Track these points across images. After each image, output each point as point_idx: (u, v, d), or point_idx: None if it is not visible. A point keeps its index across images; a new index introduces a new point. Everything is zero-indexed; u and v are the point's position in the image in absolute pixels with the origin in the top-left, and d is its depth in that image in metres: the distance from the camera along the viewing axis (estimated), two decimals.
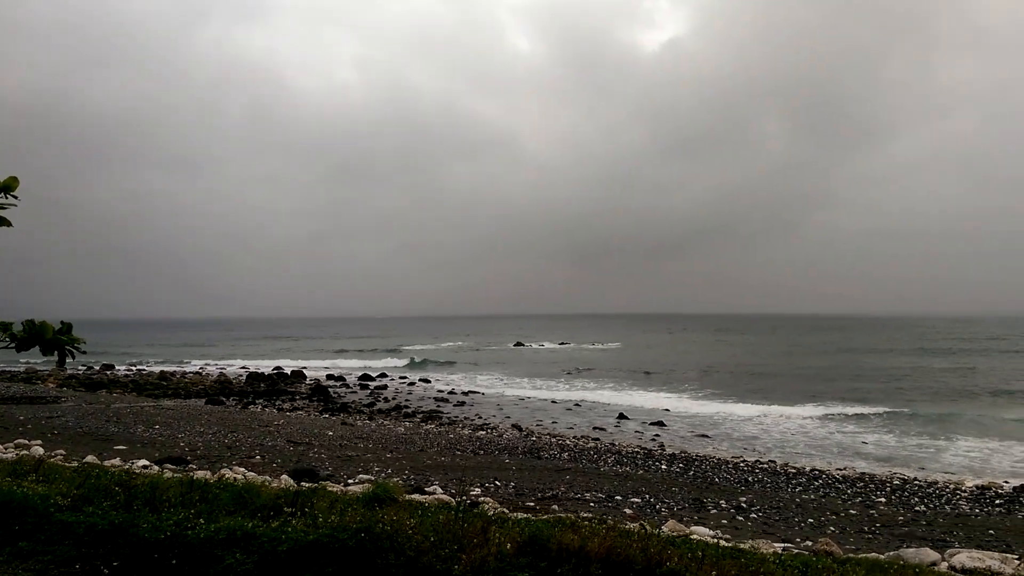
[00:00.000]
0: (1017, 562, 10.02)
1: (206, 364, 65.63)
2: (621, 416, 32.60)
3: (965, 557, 9.63)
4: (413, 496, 11.53)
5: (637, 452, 23.01)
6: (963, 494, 17.54)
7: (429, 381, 50.91)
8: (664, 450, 23.86)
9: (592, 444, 24.77)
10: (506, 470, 19.00)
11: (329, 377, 53.78)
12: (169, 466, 14.38)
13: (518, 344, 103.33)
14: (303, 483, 11.87)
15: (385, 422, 30.17)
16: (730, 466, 20.77)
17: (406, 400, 39.51)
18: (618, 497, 16.02)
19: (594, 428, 29.31)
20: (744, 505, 15.68)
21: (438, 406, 36.71)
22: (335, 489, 11.36)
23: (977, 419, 30.45)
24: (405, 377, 54.03)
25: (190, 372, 57.43)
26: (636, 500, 15.83)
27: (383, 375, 55.31)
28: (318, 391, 42.34)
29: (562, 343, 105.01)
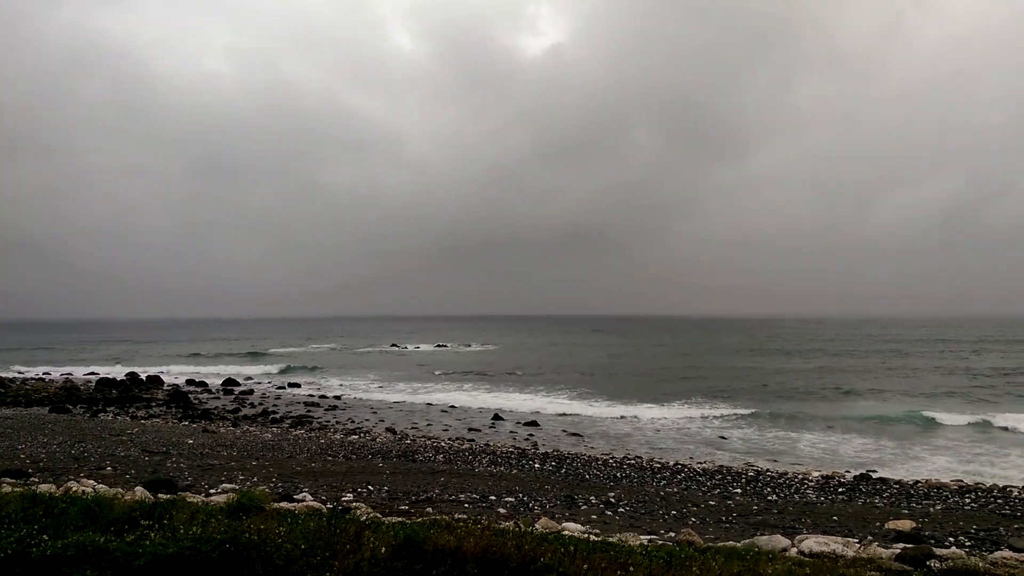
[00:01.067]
0: (858, 545, 10.91)
1: (48, 369, 60.53)
2: (496, 417, 32.90)
3: (812, 542, 10.38)
4: (282, 504, 11.14)
5: (511, 452, 23.28)
6: (810, 484, 18.90)
7: (299, 385, 49.33)
8: (538, 449, 24.28)
9: (467, 446, 24.84)
10: (380, 474, 18.72)
11: (189, 382, 51.00)
12: (8, 480, 13.15)
13: (394, 346, 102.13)
14: (160, 494, 11.19)
15: (251, 428, 28.96)
16: (600, 463, 21.42)
17: (274, 405, 38.10)
18: (492, 497, 16.14)
19: (469, 430, 29.41)
20: (613, 500, 16.19)
21: (308, 411, 35.65)
22: (196, 500, 10.78)
23: (826, 415, 32.94)
24: (273, 381, 52.09)
25: (31, 378, 52.81)
26: (510, 499, 16.00)
27: (249, 379, 53.06)
28: (177, 397, 40.03)
29: (439, 345, 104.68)
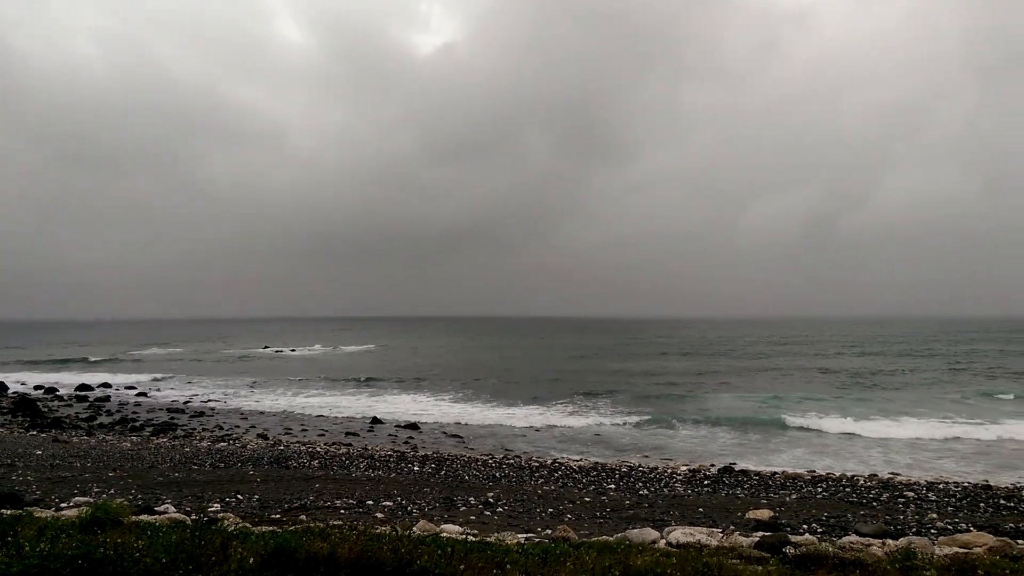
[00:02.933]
0: (721, 534, 11.49)
1: None
2: (375, 420, 32.36)
3: (679, 533, 10.83)
4: (142, 517, 10.48)
5: (390, 456, 22.95)
6: (679, 478, 19.74)
7: (161, 390, 46.63)
8: (417, 452, 24.06)
9: (344, 450, 24.27)
10: (250, 482, 17.98)
11: (38, 388, 47.12)
12: None
13: (268, 348, 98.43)
14: (3, 510, 10.26)
15: (108, 437, 27.09)
16: (480, 464, 21.49)
17: (134, 412, 35.81)
18: (370, 502, 15.86)
19: (347, 434, 28.76)
20: (492, 500, 16.28)
21: (172, 418, 33.74)
22: (45, 515, 9.96)
23: (696, 412, 34.50)
24: (134, 387, 48.94)
25: None
26: (388, 503, 15.77)
27: (107, 385, 49.59)
28: (23, 405, 36.85)
29: (317, 347, 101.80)
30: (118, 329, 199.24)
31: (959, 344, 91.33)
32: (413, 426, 30.41)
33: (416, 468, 20.75)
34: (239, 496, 16.02)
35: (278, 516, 13.73)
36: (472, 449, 25.10)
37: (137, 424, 31.23)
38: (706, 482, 19.22)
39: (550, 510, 15.48)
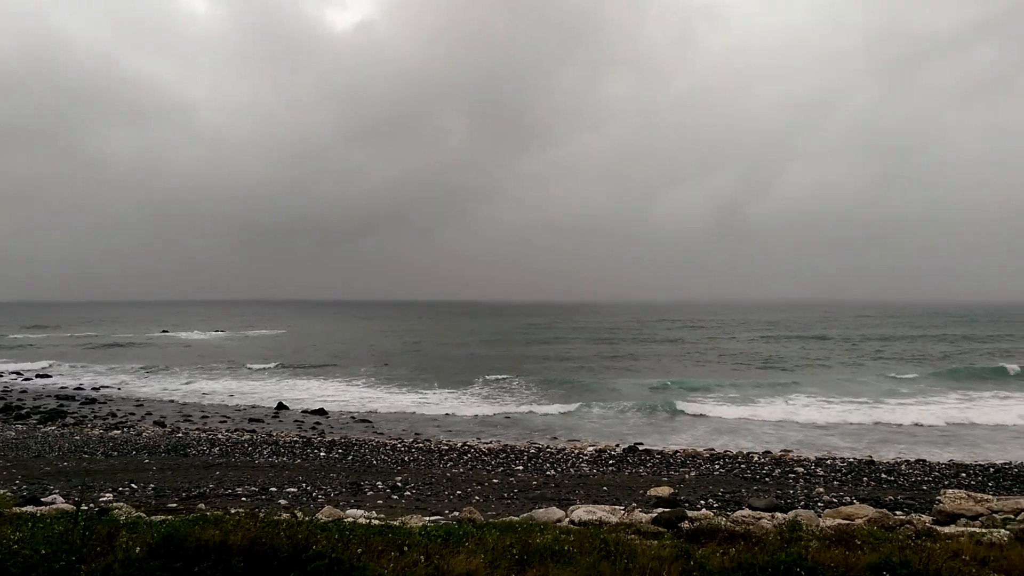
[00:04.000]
0: (622, 511, 11.82)
1: None
2: (281, 406, 31.59)
3: (582, 511, 11.08)
4: (26, 508, 9.92)
5: (296, 442, 22.48)
6: (585, 458, 20.16)
7: (50, 376, 44.09)
8: (324, 438, 23.65)
9: (247, 437, 23.61)
10: (145, 471, 17.30)
11: None
12: None
13: (166, 332, 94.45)
14: None
15: None
16: (389, 448, 21.33)
17: (19, 399, 33.72)
18: (273, 489, 15.54)
19: (250, 420, 27.96)
20: (400, 484, 16.23)
21: (62, 405, 31.97)
22: None
23: (605, 393, 35.26)
24: (20, 373, 46.04)
25: None
26: (292, 490, 15.48)
27: None
28: None
29: (222, 331, 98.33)
30: (5, 311, 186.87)
31: (855, 328, 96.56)
32: (321, 412, 29.86)
33: (323, 454, 20.41)
34: (133, 485, 15.40)
35: (175, 505, 13.27)
36: (381, 434, 24.87)
37: (23, 411, 29.43)
38: (611, 462, 19.71)
39: (458, 492, 15.55)
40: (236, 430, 25.41)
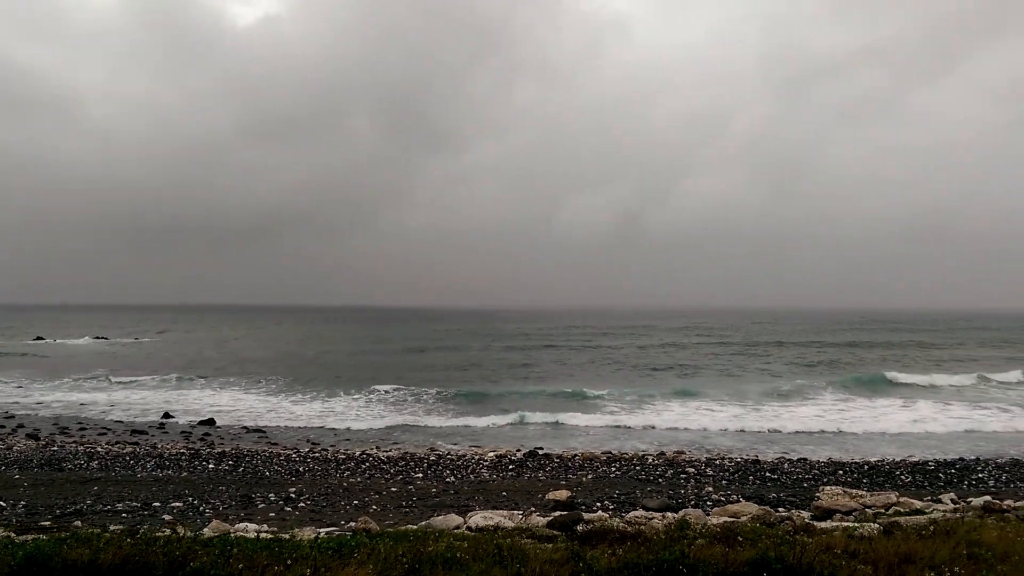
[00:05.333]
0: (520, 516, 11.89)
1: None
2: (167, 416, 30.10)
3: (479, 517, 11.07)
4: None
5: (182, 454, 21.45)
6: (485, 463, 20.18)
7: None
8: (214, 449, 22.68)
9: (130, 449, 22.35)
10: (15, 487, 16.12)
11: None
12: None
13: (41, 340, 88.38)
14: None
15: None
16: (283, 458, 20.67)
17: None
18: (157, 504, 14.79)
19: (133, 432, 26.49)
20: (294, 495, 15.76)
21: None
22: None
23: (506, 397, 35.40)
24: None
25: None
26: (178, 504, 14.78)
27: None
28: None
29: (100, 337, 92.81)
30: None
31: (750, 334, 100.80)
32: (210, 422, 28.63)
33: (212, 466, 19.58)
34: (1, 503, 14.31)
35: (48, 523, 12.43)
36: (275, 444, 24.05)
37: None
38: (511, 467, 19.81)
39: (355, 502, 15.25)
40: (117, 443, 24.01)
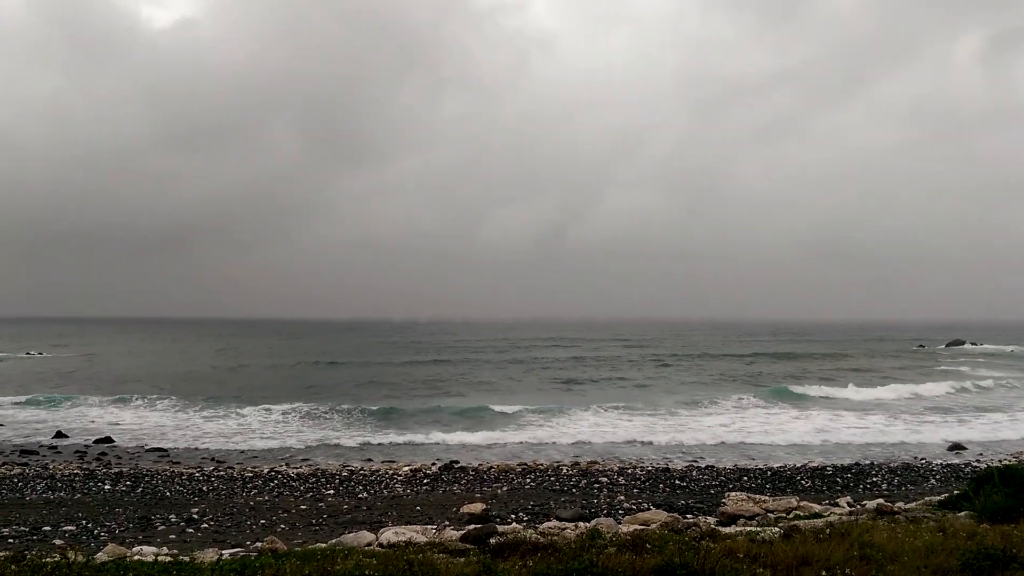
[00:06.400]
0: (434, 531, 11.77)
1: None
2: (59, 435, 28.36)
3: (391, 533, 10.89)
4: None
5: (76, 474, 20.27)
6: (399, 478, 19.90)
7: None
8: (111, 469, 21.52)
9: (18, 471, 20.95)
10: None
11: None
12: None
13: None
14: None
15: None
16: (185, 478, 19.81)
17: None
18: (47, 527, 13.94)
19: (22, 452, 24.82)
20: (196, 516, 15.15)
21: None
22: None
23: (423, 411, 35.01)
24: None
25: None
26: (70, 528, 13.98)
27: None
28: None
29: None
30: None
31: (666, 348, 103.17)
32: (108, 440, 27.16)
33: (108, 487, 18.58)
34: None
35: None
36: (178, 463, 22.98)
37: None
38: (426, 481, 19.61)
39: (262, 522, 14.78)
40: (4, 464, 22.46)
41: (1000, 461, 20.96)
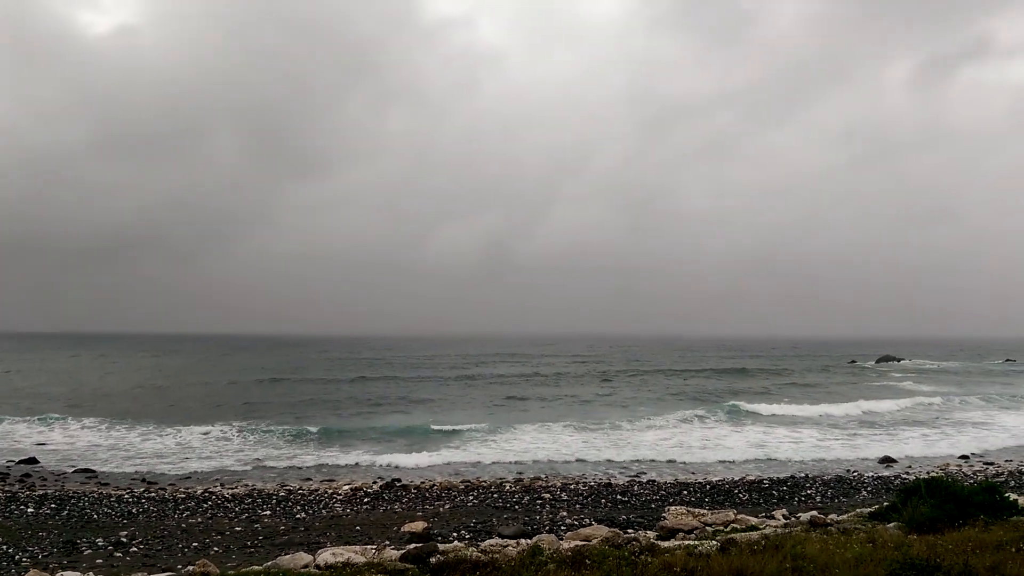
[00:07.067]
0: (373, 551, 11.55)
1: None
2: None
3: (329, 554, 10.64)
4: None
5: None
6: (339, 497, 19.51)
7: None
8: (34, 491, 20.55)
9: None
10: None
11: None
12: None
13: None
14: None
15: None
16: (114, 500, 19.02)
17: None
18: None
19: None
20: (125, 540, 14.58)
21: None
22: None
23: (363, 429, 34.44)
24: None
25: None
26: None
27: None
28: None
29: None
30: None
31: (611, 362, 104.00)
32: (31, 460, 25.95)
33: (31, 510, 17.73)
34: None
35: None
36: (106, 484, 22.06)
37: None
38: (367, 500, 19.28)
39: (195, 544, 14.31)
40: None
41: (928, 473, 21.74)
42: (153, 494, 19.90)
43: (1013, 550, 7.76)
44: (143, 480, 22.84)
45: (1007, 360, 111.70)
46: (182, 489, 20.76)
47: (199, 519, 16.80)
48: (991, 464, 25.49)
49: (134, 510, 17.74)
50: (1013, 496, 12.42)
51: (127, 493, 20.03)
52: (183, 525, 16.03)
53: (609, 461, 26.61)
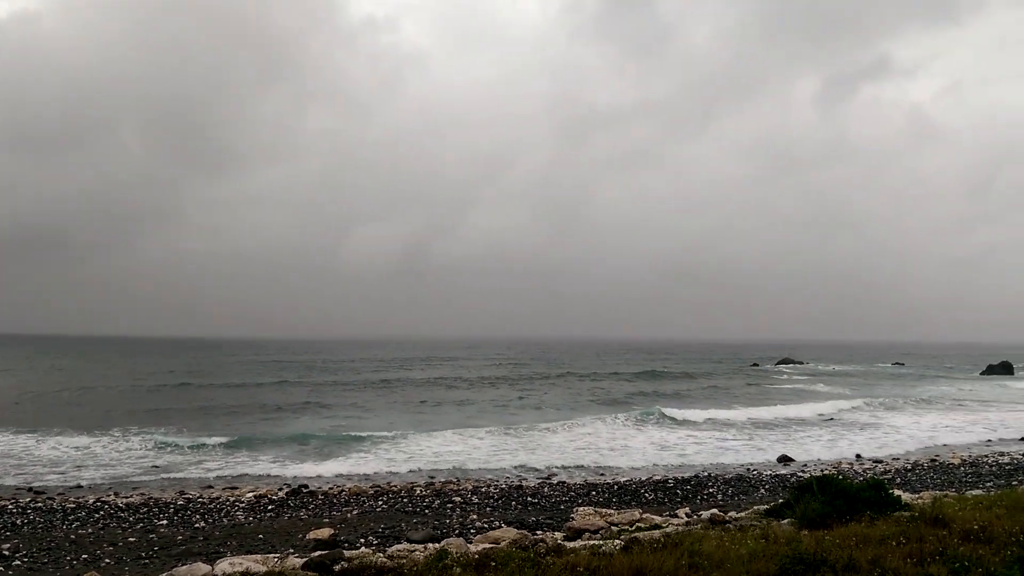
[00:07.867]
0: (275, 559, 11.22)
1: None
2: None
3: (227, 564, 10.32)
4: None
5: None
6: (242, 505, 18.87)
7: None
8: None
9: None
10: None
11: None
12: None
13: None
14: None
15: None
16: None
17: None
18: None
19: None
20: (7, 553, 13.73)
21: None
22: None
23: (277, 435, 33.47)
24: None
25: None
26: None
27: None
28: None
29: None
30: None
31: (528, 365, 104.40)
32: None
33: None
34: None
35: None
36: None
37: None
38: (271, 507, 18.74)
39: (84, 556, 13.57)
40: None
41: (822, 471, 22.80)
42: (40, 504, 18.73)
43: (894, 544, 8.22)
44: (30, 490, 21.49)
45: (895, 363, 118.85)
46: (72, 499, 19.62)
47: (90, 529, 15.93)
48: (880, 463, 26.95)
49: (18, 521, 16.65)
50: (897, 492, 13.18)
51: (11, 503, 18.76)
52: (72, 536, 15.18)
53: (522, 464, 26.73)
